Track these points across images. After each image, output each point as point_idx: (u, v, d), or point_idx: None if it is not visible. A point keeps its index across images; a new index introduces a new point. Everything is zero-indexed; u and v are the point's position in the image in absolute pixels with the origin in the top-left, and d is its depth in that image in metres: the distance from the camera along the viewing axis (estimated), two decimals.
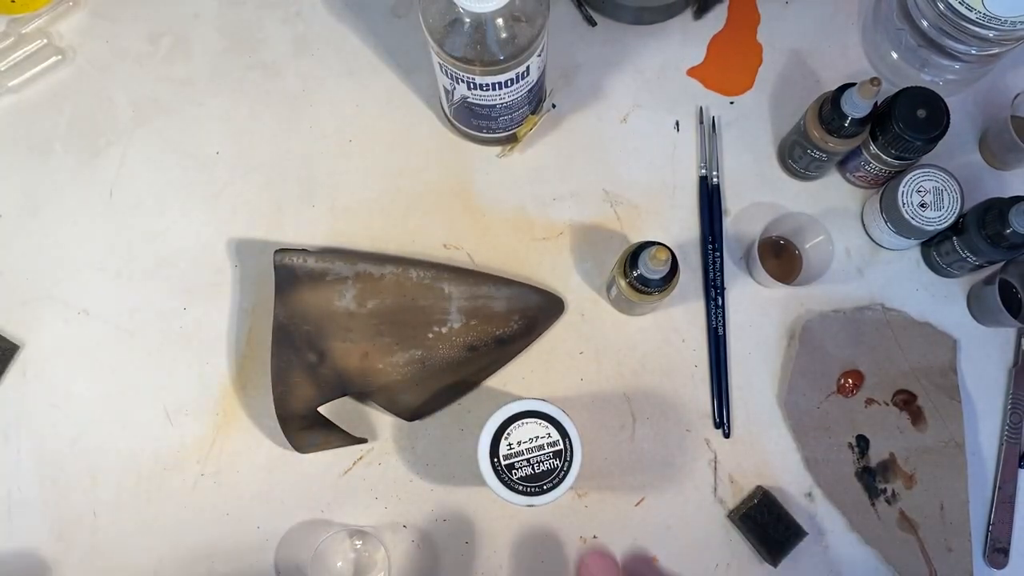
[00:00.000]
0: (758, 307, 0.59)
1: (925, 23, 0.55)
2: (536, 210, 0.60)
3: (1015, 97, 0.57)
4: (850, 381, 0.56)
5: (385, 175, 0.61)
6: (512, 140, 0.59)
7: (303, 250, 0.54)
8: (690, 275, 0.59)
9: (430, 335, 0.53)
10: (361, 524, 0.55)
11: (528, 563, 0.55)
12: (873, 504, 0.55)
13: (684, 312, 0.58)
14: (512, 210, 0.60)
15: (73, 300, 0.58)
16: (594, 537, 0.55)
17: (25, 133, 0.61)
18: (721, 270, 0.59)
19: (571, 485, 0.46)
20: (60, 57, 0.61)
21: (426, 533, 0.55)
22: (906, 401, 0.57)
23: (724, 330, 0.58)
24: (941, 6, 0.53)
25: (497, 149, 0.61)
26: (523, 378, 0.57)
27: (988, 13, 0.52)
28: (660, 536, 0.56)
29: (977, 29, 0.52)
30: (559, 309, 0.57)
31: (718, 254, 0.59)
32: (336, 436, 0.53)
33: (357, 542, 0.55)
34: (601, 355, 0.58)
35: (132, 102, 0.62)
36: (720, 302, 0.58)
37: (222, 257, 0.59)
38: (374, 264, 0.54)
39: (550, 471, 0.46)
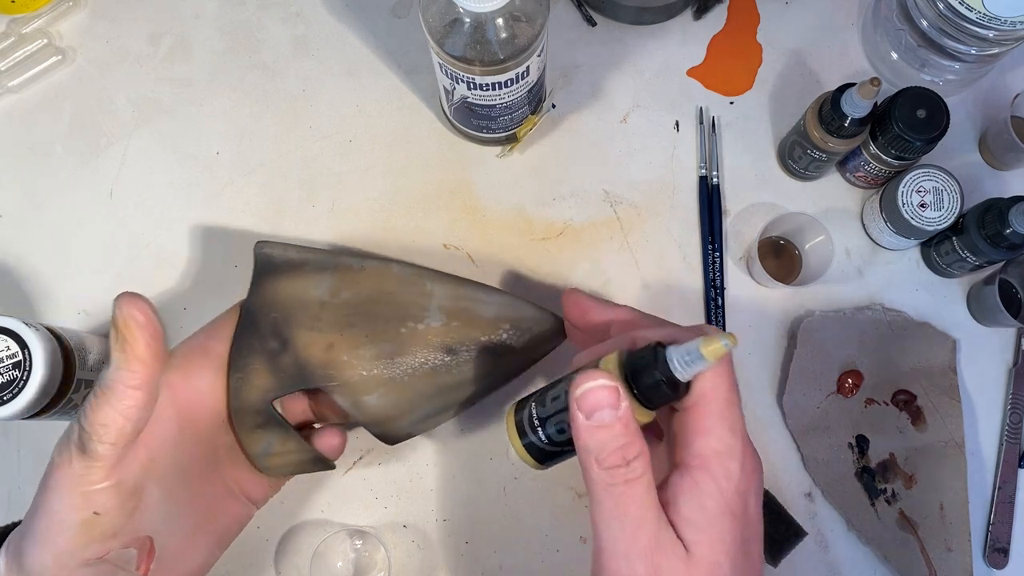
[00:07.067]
0: (758, 307, 0.59)
1: (925, 23, 0.55)
2: (536, 210, 0.60)
3: (1015, 97, 0.57)
4: (850, 381, 0.56)
5: (385, 175, 0.61)
6: (512, 140, 0.59)
7: (286, 243, 0.50)
8: (690, 275, 0.59)
9: (403, 330, 0.48)
10: (361, 524, 0.55)
11: (528, 563, 0.55)
12: (873, 504, 0.55)
13: (684, 312, 0.58)
14: (512, 210, 0.60)
15: (73, 300, 0.58)
16: None
17: (25, 133, 0.61)
18: (721, 270, 0.59)
19: (33, 396, 0.46)
20: (60, 57, 0.61)
21: (426, 533, 0.55)
22: (906, 401, 0.57)
23: (724, 330, 0.58)
24: (941, 6, 0.53)
25: (497, 149, 0.61)
26: (523, 378, 0.57)
27: (988, 13, 0.52)
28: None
29: (977, 29, 0.52)
30: (560, 331, 0.50)
31: (718, 254, 0.59)
32: (294, 444, 0.47)
33: (357, 542, 0.55)
34: None
35: (132, 102, 0.62)
36: (720, 302, 0.58)
37: (222, 257, 0.59)
38: (356, 258, 0.50)
39: (10, 383, 0.46)
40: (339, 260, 0.49)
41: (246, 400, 0.46)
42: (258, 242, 0.50)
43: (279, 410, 0.47)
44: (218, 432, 0.44)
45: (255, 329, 0.47)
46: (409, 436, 0.49)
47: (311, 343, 0.47)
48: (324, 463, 0.47)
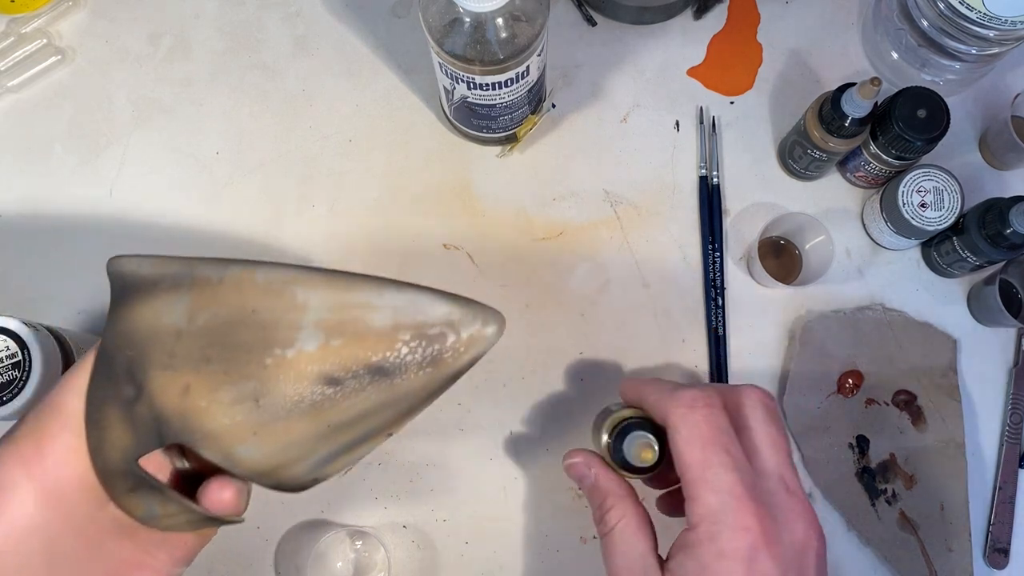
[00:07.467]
0: (758, 307, 0.59)
1: (925, 23, 0.55)
2: (536, 210, 0.60)
3: (1015, 97, 0.57)
4: (850, 381, 0.56)
5: (385, 175, 0.61)
6: (512, 140, 0.59)
7: (140, 256, 0.40)
8: (690, 275, 0.59)
9: (268, 360, 0.37)
10: (361, 524, 0.55)
11: (528, 563, 0.55)
12: (873, 504, 0.55)
13: (684, 312, 0.58)
14: (512, 210, 0.60)
15: (73, 300, 0.58)
16: (593, 537, 0.55)
17: (25, 133, 0.61)
18: (721, 270, 0.59)
19: (32, 396, 0.46)
20: (60, 57, 0.61)
21: (426, 533, 0.55)
22: (906, 401, 0.57)
23: (724, 330, 0.58)
24: (941, 6, 0.53)
25: (497, 149, 0.61)
26: (523, 378, 0.57)
27: (988, 13, 0.52)
28: (661, 537, 0.55)
29: (977, 29, 0.52)
30: (491, 327, 0.38)
31: (718, 254, 0.59)
32: (175, 506, 0.38)
33: (357, 542, 0.55)
34: (601, 355, 0.58)
35: (132, 102, 0.62)
36: (720, 302, 0.58)
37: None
38: (216, 267, 0.39)
39: (9, 383, 0.46)
40: (196, 272, 0.38)
41: (108, 462, 0.37)
42: (111, 258, 0.39)
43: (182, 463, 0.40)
44: (98, 500, 0.37)
45: (110, 372, 0.38)
46: (316, 482, 0.39)
47: (165, 386, 0.37)
48: (221, 520, 0.38)
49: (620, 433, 0.43)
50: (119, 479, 0.37)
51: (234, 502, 0.39)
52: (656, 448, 0.42)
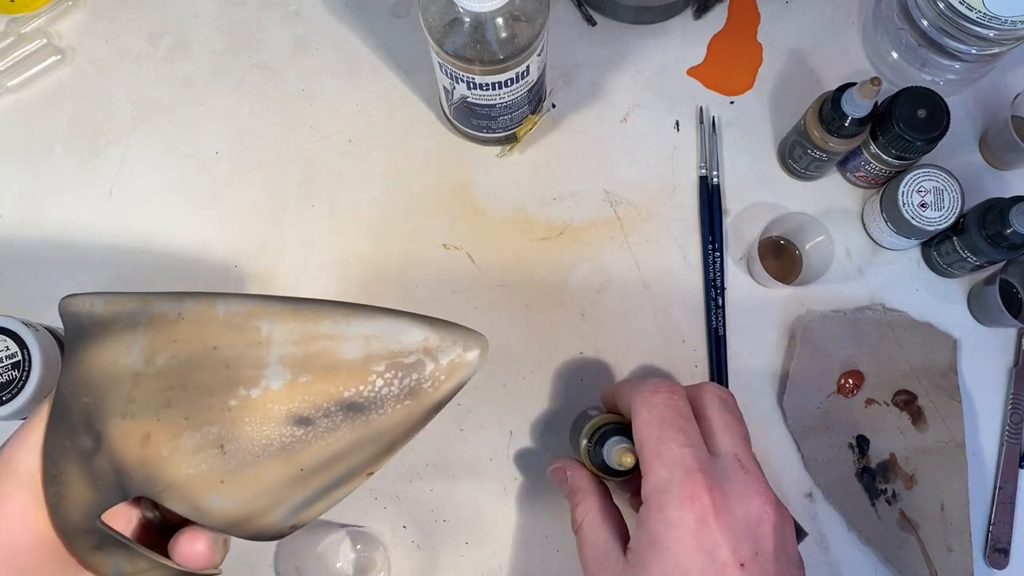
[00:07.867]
0: (758, 307, 0.59)
1: (925, 23, 0.55)
2: (536, 210, 0.60)
3: (1015, 97, 0.57)
4: (850, 381, 0.56)
5: (385, 175, 0.60)
6: (512, 140, 0.59)
7: (93, 293, 0.39)
8: (690, 275, 0.59)
9: (232, 402, 0.34)
10: (361, 524, 0.55)
11: (528, 563, 0.55)
12: (873, 504, 0.55)
13: (684, 312, 0.58)
14: (512, 210, 0.60)
15: None
16: None
17: (25, 133, 0.61)
18: (721, 270, 0.59)
19: (32, 397, 0.47)
20: (60, 57, 0.61)
21: (426, 533, 0.55)
22: (906, 401, 0.57)
23: (724, 330, 0.58)
24: (941, 5, 0.53)
25: (497, 149, 0.61)
26: (523, 378, 0.57)
27: (988, 13, 0.52)
28: None
29: (977, 29, 0.52)
30: (473, 351, 0.35)
31: (718, 254, 0.59)
32: (145, 563, 0.36)
33: (357, 542, 0.55)
34: (601, 355, 0.58)
35: (132, 102, 0.62)
36: (720, 302, 0.58)
37: (222, 257, 0.59)
38: (172, 302, 0.37)
39: (9, 383, 0.46)
40: (153, 308, 0.37)
41: (69, 520, 0.35)
42: (63, 298, 0.37)
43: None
44: (59, 561, 0.35)
45: (67, 423, 0.35)
46: (295, 528, 0.36)
47: (125, 435, 0.34)
48: (196, 574, 0.36)
49: (600, 438, 0.45)
50: (82, 537, 0.35)
51: (207, 554, 0.36)
52: (635, 453, 0.42)
